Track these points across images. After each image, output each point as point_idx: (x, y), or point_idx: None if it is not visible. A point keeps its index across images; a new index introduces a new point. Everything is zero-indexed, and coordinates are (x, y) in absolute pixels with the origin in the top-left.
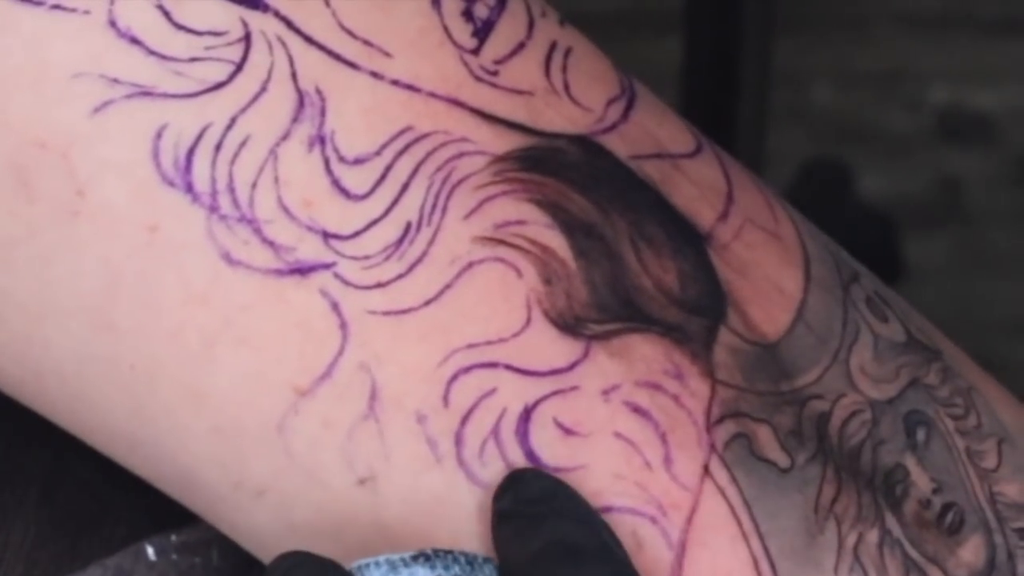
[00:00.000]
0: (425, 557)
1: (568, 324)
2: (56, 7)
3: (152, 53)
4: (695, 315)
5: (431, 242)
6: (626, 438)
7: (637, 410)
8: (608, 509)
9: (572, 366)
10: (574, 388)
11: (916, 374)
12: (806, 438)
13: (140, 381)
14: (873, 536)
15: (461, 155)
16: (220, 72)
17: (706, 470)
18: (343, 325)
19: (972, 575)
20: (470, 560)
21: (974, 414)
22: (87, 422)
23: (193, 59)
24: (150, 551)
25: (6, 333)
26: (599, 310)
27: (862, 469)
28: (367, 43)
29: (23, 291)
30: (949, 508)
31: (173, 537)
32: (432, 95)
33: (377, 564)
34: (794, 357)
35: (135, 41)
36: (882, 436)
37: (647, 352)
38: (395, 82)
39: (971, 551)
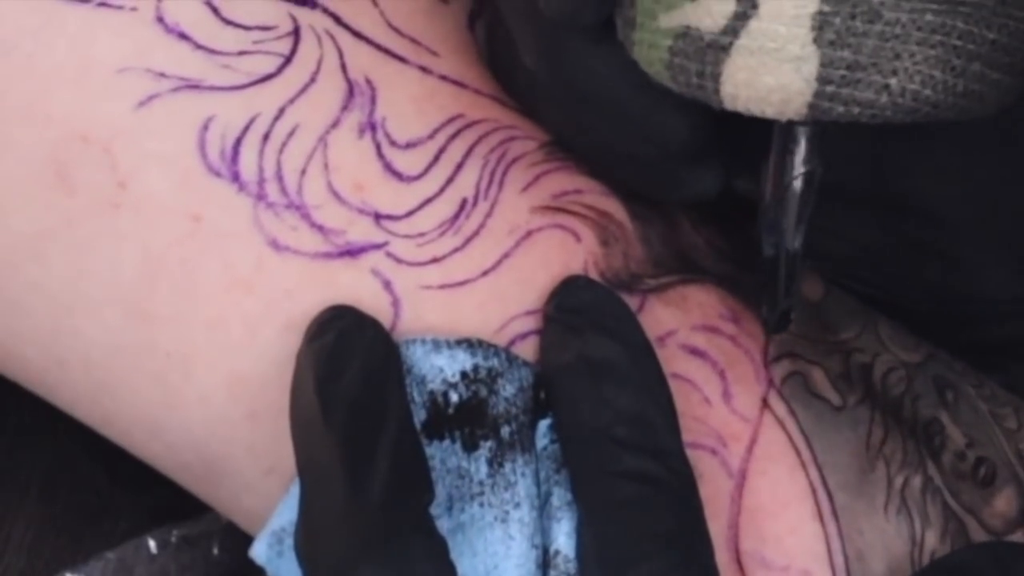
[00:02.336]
0: (469, 344)
1: (624, 282)
2: (103, 4)
3: (200, 47)
4: (745, 269)
5: (488, 215)
6: (683, 377)
7: (694, 351)
8: None
9: None
10: None
11: (932, 350)
12: (854, 382)
13: (175, 368)
14: (917, 481)
15: (512, 139)
16: (269, 64)
17: (765, 403)
18: (395, 303)
19: (1006, 524)
20: (510, 358)
21: (988, 385)
22: (108, 411)
23: (242, 53)
24: (151, 544)
25: (32, 323)
26: (655, 265)
27: (904, 418)
28: (415, 41)
29: (55, 282)
30: (982, 462)
31: (174, 531)
32: (478, 92)
33: (423, 342)
34: (834, 316)
35: (183, 36)
36: (917, 391)
37: (703, 299)
38: (443, 77)
39: (1004, 501)
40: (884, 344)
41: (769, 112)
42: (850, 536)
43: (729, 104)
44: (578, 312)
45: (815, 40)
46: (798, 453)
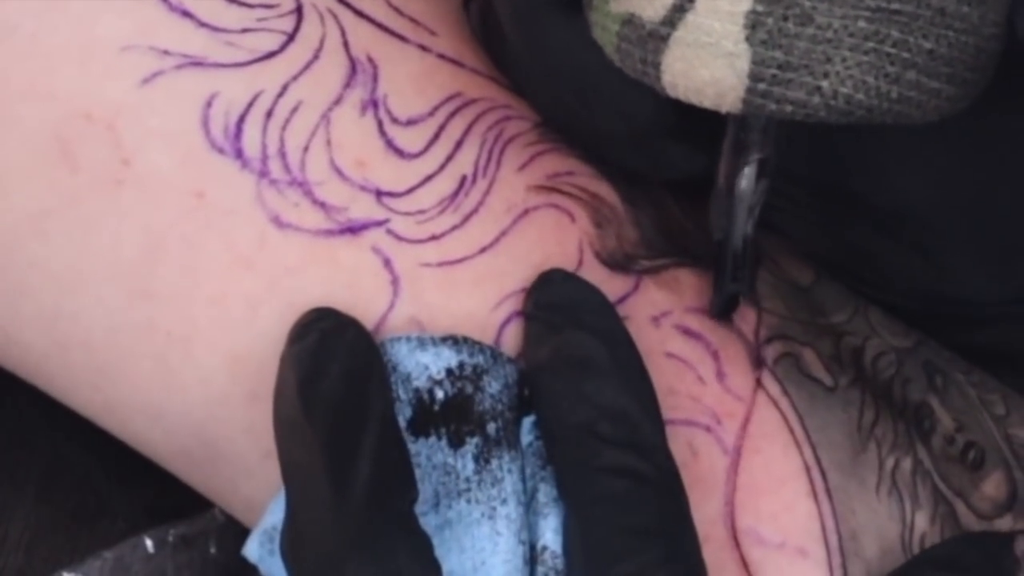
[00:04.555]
0: (454, 340)
1: (619, 262)
2: None
3: (203, 25)
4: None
5: (487, 193)
6: (678, 357)
7: (688, 332)
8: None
9: (622, 299)
10: (624, 318)
11: (922, 337)
12: (845, 364)
13: (175, 348)
14: (907, 464)
15: (508, 118)
16: (272, 42)
17: (759, 382)
18: (395, 280)
19: (995, 507)
20: (495, 355)
21: (977, 372)
22: (108, 397)
23: (245, 30)
24: (148, 544)
25: (34, 305)
26: (648, 247)
27: (894, 401)
28: (414, 21)
29: (58, 261)
30: (971, 446)
31: (171, 530)
32: (475, 71)
33: (408, 339)
34: (825, 300)
35: (186, 14)
36: (907, 376)
37: (695, 282)
38: (442, 56)
39: (993, 485)
40: (874, 329)
41: (706, 103)
42: (843, 516)
43: (670, 92)
44: (556, 308)
45: (747, 38)
46: (792, 432)
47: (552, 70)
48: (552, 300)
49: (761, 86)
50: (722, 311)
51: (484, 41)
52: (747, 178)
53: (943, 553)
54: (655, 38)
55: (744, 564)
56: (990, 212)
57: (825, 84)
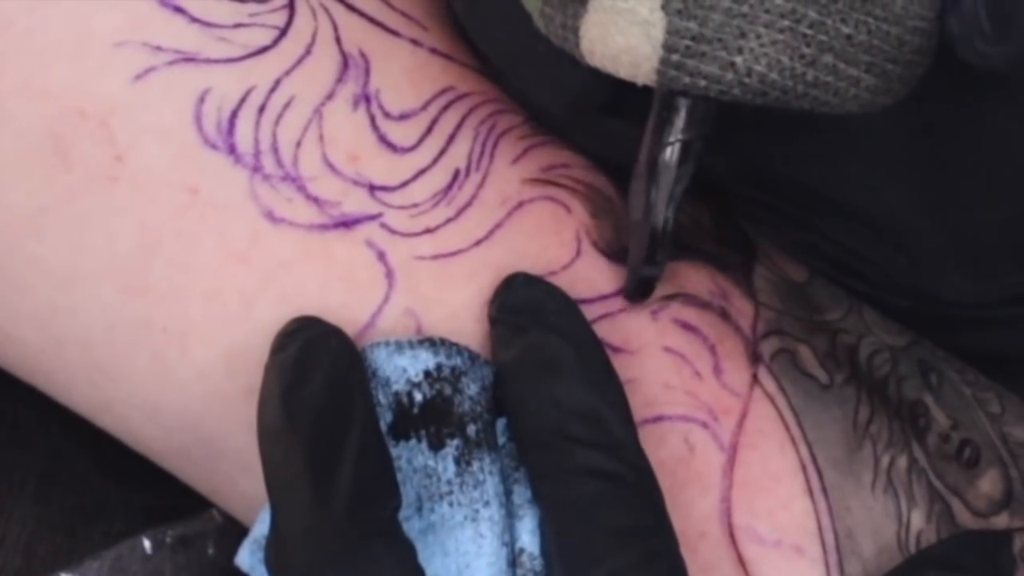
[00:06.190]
0: (431, 343)
1: (617, 252)
2: None
3: (195, 20)
4: (731, 249)
5: (480, 186)
6: (675, 351)
7: (685, 326)
8: (659, 418)
9: (620, 290)
10: (622, 310)
11: (916, 336)
12: (841, 362)
13: (172, 344)
14: (903, 462)
15: (501, 112)
16: (264, 37)
17: (755, 378)
18: (389, 273)
19: (991, 505)
20: (472, 356)
21: (971, 371)
22: (105, 394)
23: (237, 25)
24: (146, 544)
25: (31, 302)
26: None
27: (889, 399)
28: (405, 15)
29: (54, 257)
30: (966, 444)
31: (169, 531)
32: (465, 65)
33: (386, 344)
34: (820, 297)
35: (178, 10)
36: (902, 374)
37: (692, 275)
38: (433, 50)
39: (989, 483)
40: (869, 327)
41: (622, 72)
42: (839, 513)
43: (588, 59)
44: (520, 311)
45: (663, 7)
46: (788, 429)
47: (489, 43)
48: (516, 303)
49: (675, 57)
50: (634, 295)
51: (462, 33)
52: (668, 159)
53: (941, 552)
54: (575, 2)
55: (741, 561)
56: (962, 216)
57: (739, 60)
